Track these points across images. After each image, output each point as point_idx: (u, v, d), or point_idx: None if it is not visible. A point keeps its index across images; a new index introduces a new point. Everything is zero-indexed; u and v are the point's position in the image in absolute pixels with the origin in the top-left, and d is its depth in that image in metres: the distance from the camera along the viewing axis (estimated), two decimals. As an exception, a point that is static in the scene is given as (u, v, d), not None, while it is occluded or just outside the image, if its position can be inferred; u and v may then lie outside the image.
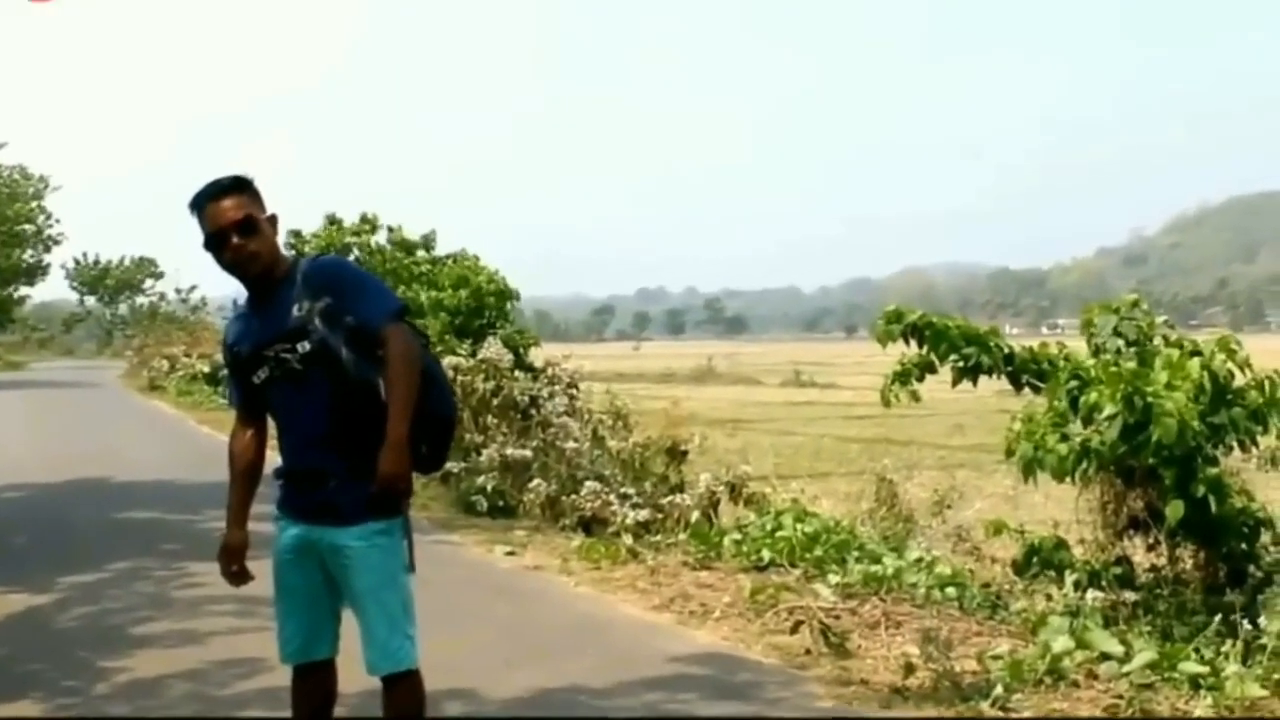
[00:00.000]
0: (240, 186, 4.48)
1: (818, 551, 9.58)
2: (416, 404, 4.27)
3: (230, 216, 4.39)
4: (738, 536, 10.31)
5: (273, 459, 4.56)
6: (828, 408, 40.59)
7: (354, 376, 4.30)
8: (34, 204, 59.39)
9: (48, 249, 61.59)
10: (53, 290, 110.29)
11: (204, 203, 4.44)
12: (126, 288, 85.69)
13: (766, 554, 9.70)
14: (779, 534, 10.04)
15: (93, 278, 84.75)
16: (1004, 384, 9.29)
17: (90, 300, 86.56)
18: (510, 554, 10.60)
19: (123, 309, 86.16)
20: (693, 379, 59.43)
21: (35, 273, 62.62)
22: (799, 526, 10.12)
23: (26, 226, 59.25)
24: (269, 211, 4.54)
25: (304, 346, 4.34)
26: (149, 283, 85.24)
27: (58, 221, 61.52)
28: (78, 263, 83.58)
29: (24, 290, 65.52)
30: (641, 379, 47.43)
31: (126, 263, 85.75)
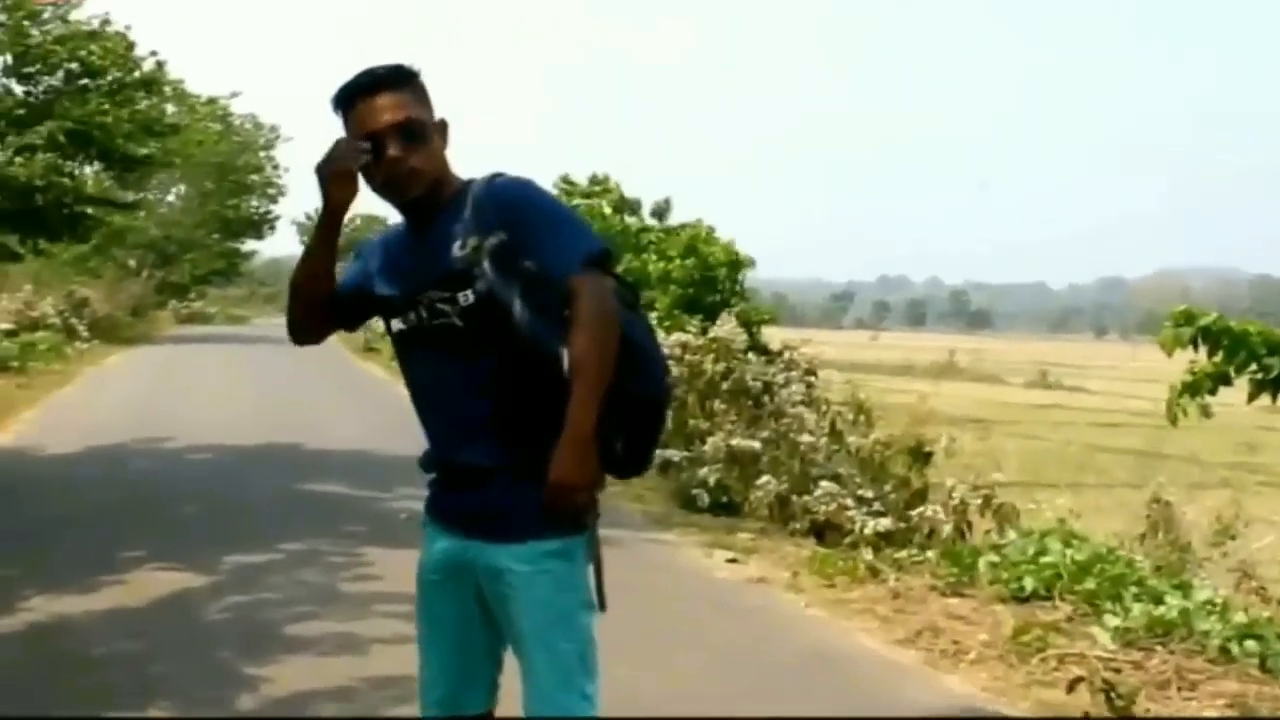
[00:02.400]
0: (403, 79, 3.51)
1: (1089, 584, 8.45)
2: (613, 383, 3.30)
3: (387, 118, 3.42)
4: (994, 559, 9.17)
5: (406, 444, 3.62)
6: (1076, 412, 38.88)
7: (528, 341, 3.33)
8: (263, 154, 60.20)
9: (274, 200, 62.30)
10: (283, 245, 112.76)
11: (353, 98, 3.48)
12: (355, 245, 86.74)
13: (1029, 583, 8.55)
14: (1043, 559, 8.90)
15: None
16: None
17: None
18: (732, 561, 9.62)
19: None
20: (933, 373, 57.87)
21: (263, 225, 63.42)
22: (1068, 552, 8.98)
23: (254, 177, 60.03)
24: (437, 116, 3.57)
25: (466, 297, 3.38)
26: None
27: (286, 171, 62.28)
28: (308, 216, 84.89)
29: (252, 244, 66.56)
30: (879, 370, 46.13)
31: (357, 221, 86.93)
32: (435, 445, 3.58)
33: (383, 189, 3.51)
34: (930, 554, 9.64)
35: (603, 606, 3.47)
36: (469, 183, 3.55)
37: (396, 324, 3.55)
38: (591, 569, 3.46)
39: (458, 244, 3.40)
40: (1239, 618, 7.79)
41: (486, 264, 3.36)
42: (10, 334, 25.22)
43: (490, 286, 3.35)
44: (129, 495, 11.40)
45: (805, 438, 12.45)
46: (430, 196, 3.49)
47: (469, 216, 3.42)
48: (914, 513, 10.62)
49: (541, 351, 3.33)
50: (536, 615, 3.40)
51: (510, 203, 3.44)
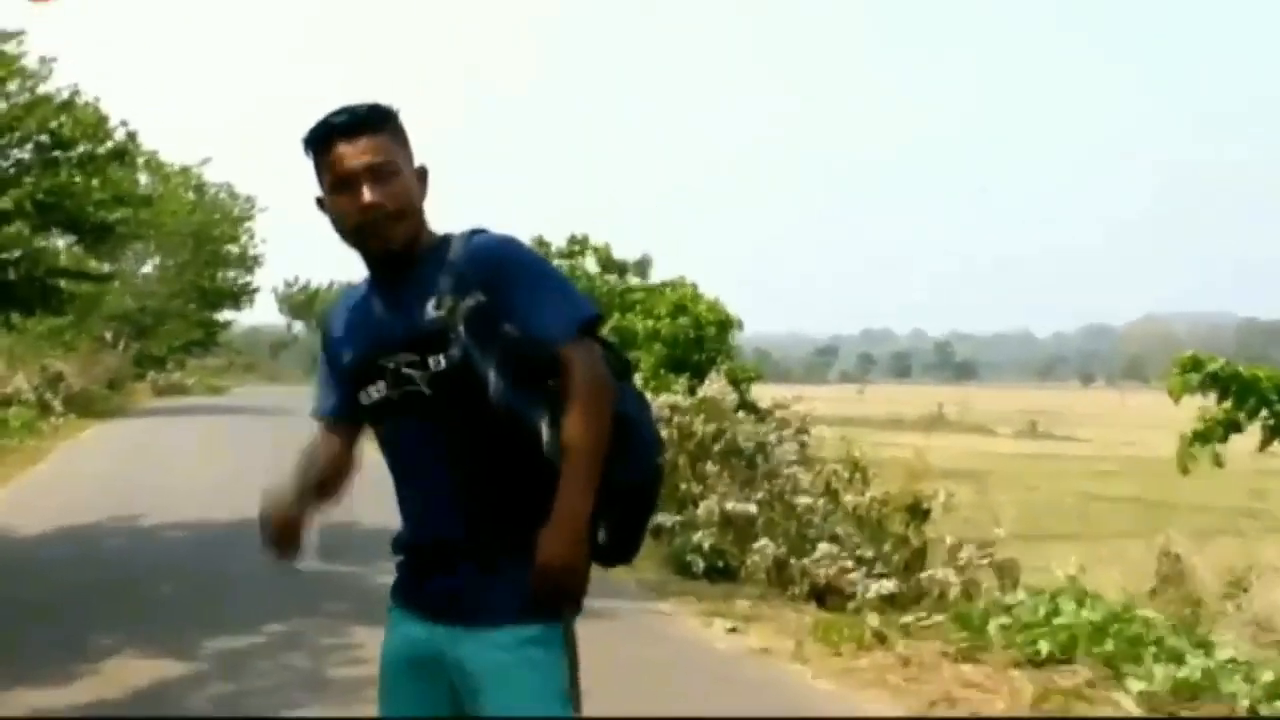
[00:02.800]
0: (382, 119, 3.22)
1: (1108, 646, 8.13)
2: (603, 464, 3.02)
3: (367, 159, 3.14)
4: (1005, 620, 8.87)
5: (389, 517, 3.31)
6: (1069, 461, 38.82)
7: (504, 412, 3.04)
8: (240, 224, 60.03)
9: (250, 270, 62.06)
10: (261, 314, 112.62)
11: (328, 138, 3.19)
12: (320, 318, 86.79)
13: (1044, 645, 8.23)
14: (1057, 620, 8.60)
15: (300, 302, 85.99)
16: None
17: (299, 325, 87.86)
18: (732, 630, 9.29)
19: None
20: (922, 426, 57.75)
21: (241, 296, 63.16)
22: (1082, 612, 8.67)
23: (231, 247, 59.84)
24: (417, 162, 3.28)
25: (437, 362, 3.10)
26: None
27: (262, 242, 62.12)
28: (288, 284, 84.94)
29: (229, 314, 66.30)
30: (867, 424, 45.95)
31: (334, 288, 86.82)
32: (406, 523, 3.28)
33: (355, 236, 3.22)
34: (939, 617, 9.33)
35: (577, 709, 3.13)
36: (446, 238, 3.27)
37: (371, 394, 3.25)
38: (567, 659, 3.12)
39: (431, 303, 3.13)
40: (1266, 676, 7.50)
41: (462, 327, 3.08)
42: (-18, 411, 24.89)
43: (464, 352, 3.07)
44: (103, 577, 11.04)
45: (802, 499, 12.15)
46: (405, 249, 3.20)
47: (445, 274, 3.14)
48: (923, 576, 10.32)
49: (519, 424, 3.05)
50: (514, 708, 3.07)
51: (491, 261, 3.16)
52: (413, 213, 3.22)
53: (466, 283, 3.10)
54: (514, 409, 3.05)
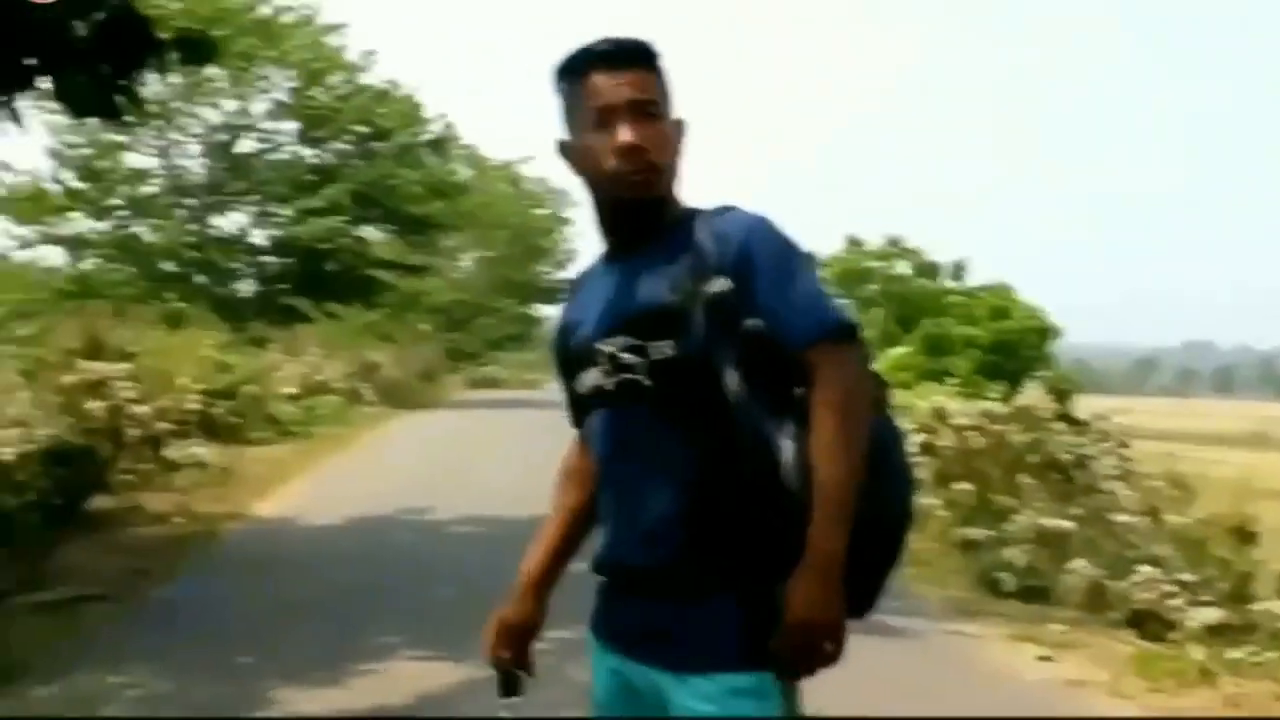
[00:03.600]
0: (649, 56, 2.79)
1: None
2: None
3: (629, 94, 2.71)
4: (1350, 661, 8.08)
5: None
6: None
7: (740, 419, 2.55)
8: (556, 219, 60.77)
9: (564, 266, 62.71)
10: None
11: (586, 68, 2.77)
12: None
13: (1400, 693, 7.46)
14: None
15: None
16: None
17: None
18: (1043, 659, 8.64)
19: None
20: (1246, 443, 55.38)
21: (555, 292, 63.86)
22: None
23: (546, 241, 60.61)
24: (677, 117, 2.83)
25: (662, 349, 2.64)
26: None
27: (580, 237, 62.82)
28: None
29: (544, 309, 67.17)
30: (1186, 439, 44.26)
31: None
32: (606, 539, 2.82)
33: (605, 185, 2.77)
34: (1271, 654, 8.56)
35: None
36: (694, 211, 2.79)
37: (584, 382, 2.82)
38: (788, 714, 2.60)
39: (667, 284, 2.66)
40: None
41: (700, 313, 2.60)
42: (293, 399, 25.35)
43: (700, 343, 2.60)
44: (385, 573, 10.93)
45: (1121, 516, 11.44)
46: (653, 212, 2.75)
47: (686, 253, 2.67)
48: (1254, 608, 9.52)
49: (754, 434, 2.56)
50: None
51: (743, 245, 2.67)
52: (670, 168, 2.79)
53: (709, 265, 2.64)
54: (751, 415, 2.57)
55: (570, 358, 2.88)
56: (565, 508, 3.06)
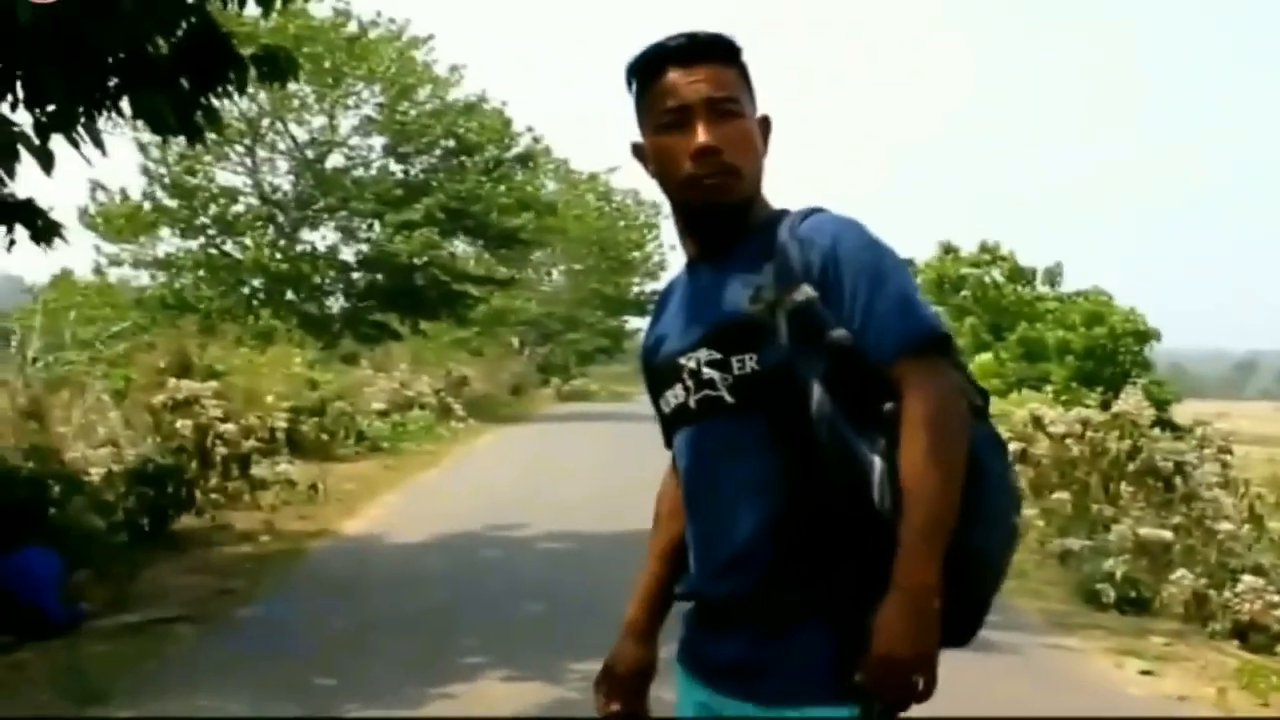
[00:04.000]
0: (728, 51, 2.66)
1: None
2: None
3: (705, 91, 2.58)
4: None
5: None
6: None
7: (827, 437, 2.41)
8: (645, 231, 60.71)
9: (655, 277, 62.64)
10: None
11: (659, 65, 2.65)
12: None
13: None
14: None
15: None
16: None
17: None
18: (1146, 673, 8.46)
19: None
20: (1352, 448, 54.46)
21: (645, 304, 63.79)
22: None
23: (635, 254, 60.53)
24: (760, 111, 2.70)
25: (744, 363, 2.52)
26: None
27: (670, 249, 62.73)
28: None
29: (634, 322, 67.15)
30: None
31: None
32: (693, 565, 2.70)
33: (682, 189, 2.64)
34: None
35: None
36: (781, 214, 2.66)
37: (669, 400, 2.70)
38: None
39: (749, 293, 2.53)
40: None
41: (784, 325, 2.47)
42: (382, 414, 25.42)
43: (784, 356, 2.46)
44: (472, 591, 10.85)
45: (1224, 525, 11.21)
46: (736, 214, 2.62)
47: (772, 259, 2.54)
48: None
49: (843, 454, 2.41)
50: None
51: (829, 250, 2.53)
52: (752, 169, 2.64)
53: (794, 272, 2.50)
54: (838, 432, 2.43)
55: (655, 375, 2.77)
56: (661, 545, 2.96)
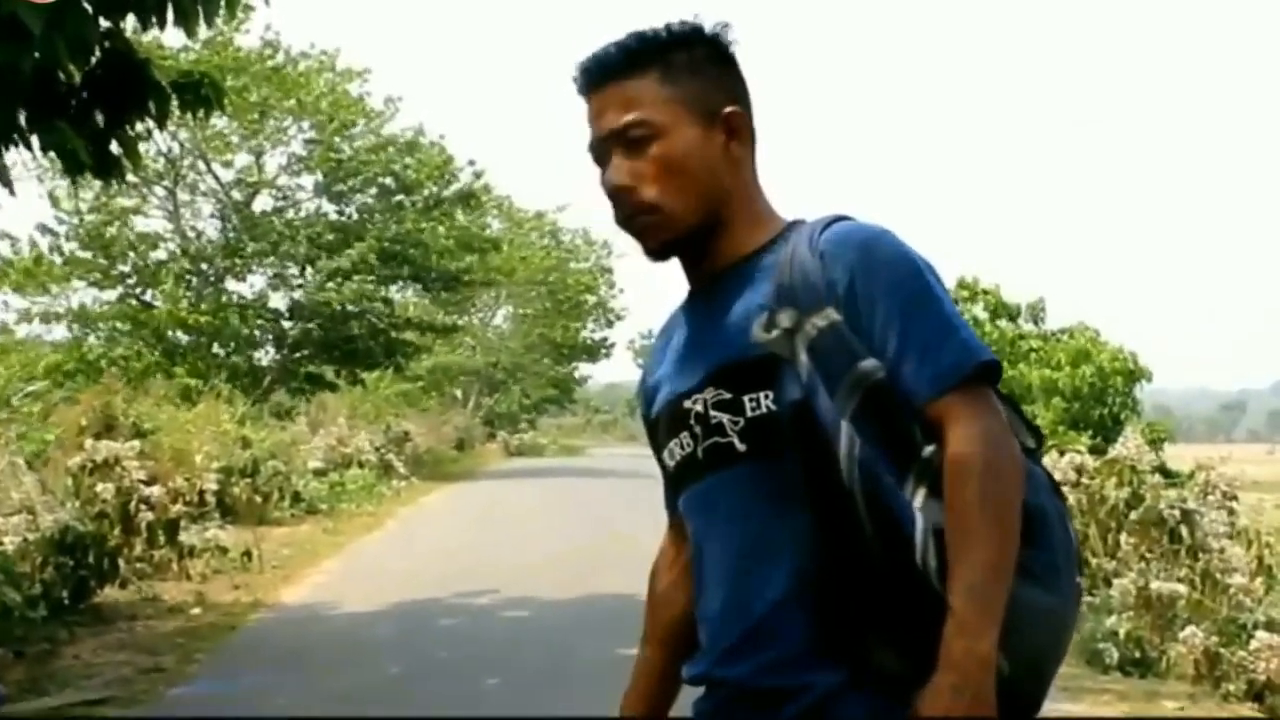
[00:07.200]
0: (640, 58, 2.41)
1: None
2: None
3: (610, 121, 2.39)
4: None
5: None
6: None
7: (857, 489, 2.21)
8: (597, 273, 60.61)
9: (610, 324, 62.54)
10: (620, 369, 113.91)
11: (583, 91, 2.46)
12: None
13: None
14: None
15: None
16: None
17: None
18: (1163, 740, 8.37)
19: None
20: (1349, 492, 54.75)
21: (597, 350, 63.72)
22: None
23: (587, 297, 60.42)
24: (727, 108, 2.46)
25: (758, 403, 2.30)
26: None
27: (620, 291, 62.66)
28: (643, 337, 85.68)
29: (585, 369, 67.12)
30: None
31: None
32: (706, 645, 2.48)
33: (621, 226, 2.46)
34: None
35: None
36: (791, 225, 2.45)
37: (672, 453, 2.49)
38: None
39: (760, 320, 2.31)
40: None
41: (804, 356, 2.26)
42: (319, 474, 25.22)
43: (804, 392, 2.25)
44: (424, 664, 10.68)
45: (1236, 578, 11.10)
46: (690, 249, 2.43)
47: (782, 278, 2.32)
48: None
49: (878, 507, 2.22)
50: None
51: (854, 266, 2.31)
52: (680, 198, 2.39)
53: (815, 292, 2.29)
54: (870, 481, 2.23)
55: (656, 425, 2.56)
56: (658, 628, 2.72)
